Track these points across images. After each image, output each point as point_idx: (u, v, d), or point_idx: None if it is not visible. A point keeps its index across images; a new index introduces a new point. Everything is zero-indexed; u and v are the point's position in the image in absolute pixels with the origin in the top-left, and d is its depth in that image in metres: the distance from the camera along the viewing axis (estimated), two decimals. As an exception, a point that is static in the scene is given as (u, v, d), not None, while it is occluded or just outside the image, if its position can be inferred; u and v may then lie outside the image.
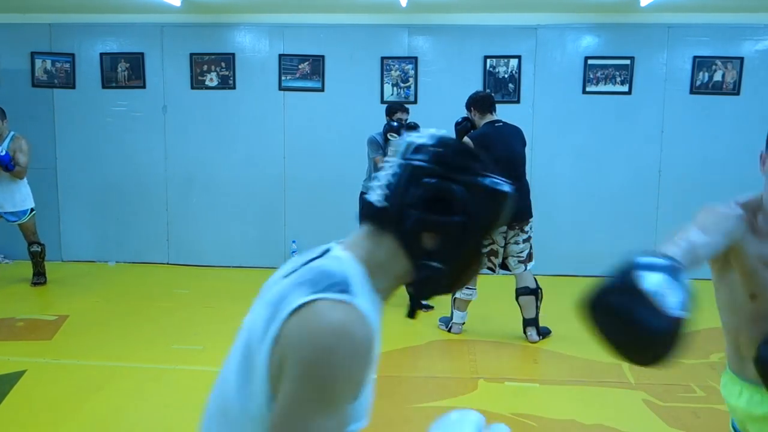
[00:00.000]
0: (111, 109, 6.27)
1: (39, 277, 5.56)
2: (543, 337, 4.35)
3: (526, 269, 4.32)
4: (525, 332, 4.34)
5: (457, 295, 4.39)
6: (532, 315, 4.32)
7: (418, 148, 1.08)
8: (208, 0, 5.75)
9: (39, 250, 5.56)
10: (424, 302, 4.51)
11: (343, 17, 6.04)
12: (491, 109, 4.42)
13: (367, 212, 1.08)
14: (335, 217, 6.11)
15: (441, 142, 1.09)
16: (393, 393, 3.53)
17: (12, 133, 5.45)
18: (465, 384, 3.65)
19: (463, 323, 4.48)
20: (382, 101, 5.92)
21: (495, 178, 1.07)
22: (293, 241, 6.20)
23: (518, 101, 5.98)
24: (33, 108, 6.29)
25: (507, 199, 1.08)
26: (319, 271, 1.01)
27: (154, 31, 6.20)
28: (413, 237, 1.04)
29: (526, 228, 4.33)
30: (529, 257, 4.35)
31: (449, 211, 1.03)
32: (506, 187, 1.08)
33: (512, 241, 4.32)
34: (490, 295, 5.07)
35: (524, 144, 4.45)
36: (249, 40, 6.18)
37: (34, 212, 5.54)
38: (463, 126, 4.44)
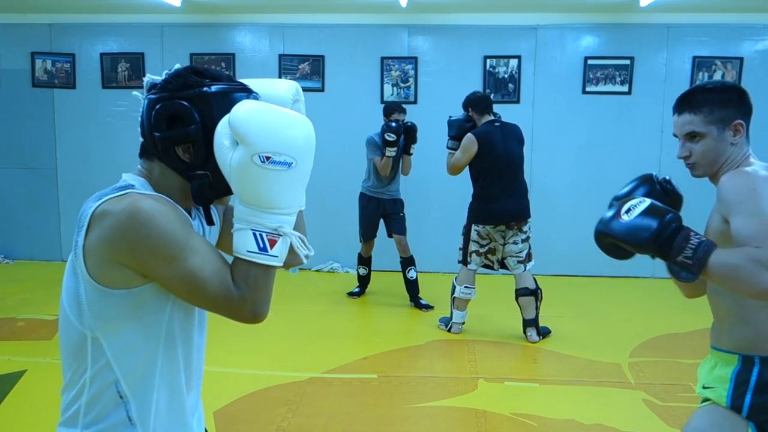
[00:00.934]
0: (111, 110, 6.28)
1: None
2: (543, 337, 4.35)
3: (525, 269, 4.32)
4: (525, 332, 4.34)
5: (456, 294, 4.39)
6: (532, 315, 4.32)
7: (153, 86, 1.25)
8: (208, 0, 5.76)
9: None
10: (424, 302, 4.55)
11: (343, 17, 6.04)
12: (489, 110, 4.42)
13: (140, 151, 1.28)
14: (335, 217, 6.13)
15: (169, 74, 1.24)
16: (393, 393, 3.54)
17: None
18: (465, 384, 3.65)
19: (463, 323, 4.48)
20: (382, 101, 5.92)
21: (221, 84, 1.21)
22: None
23: (518, 101, 5.99)
24: (33, 108, 6.30)
25: (233, 100, 1.18)
26: (107, 188, 1.20)
27: (154, 31, 6.20)
28: (168, 155, 1.21)
29: (525, 228, 4.33)
30: (528, 257, 4.35)
31: (185, 124, 1.18)
32: (223, 86, 1.21)
33: (511, 241, 4.32)
34: (490, 295, 5.07)
35: (522, 143, 4.45)
36: (249, 40, 6.18)
37: None
38: (463, 126, 4.41)
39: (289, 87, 1.35)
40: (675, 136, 1.66)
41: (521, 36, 5.98)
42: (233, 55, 6.16)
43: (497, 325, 4.64)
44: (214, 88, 1.19)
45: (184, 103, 1.18)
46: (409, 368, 3.97)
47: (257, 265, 1.13)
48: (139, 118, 1.26)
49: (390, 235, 5.14)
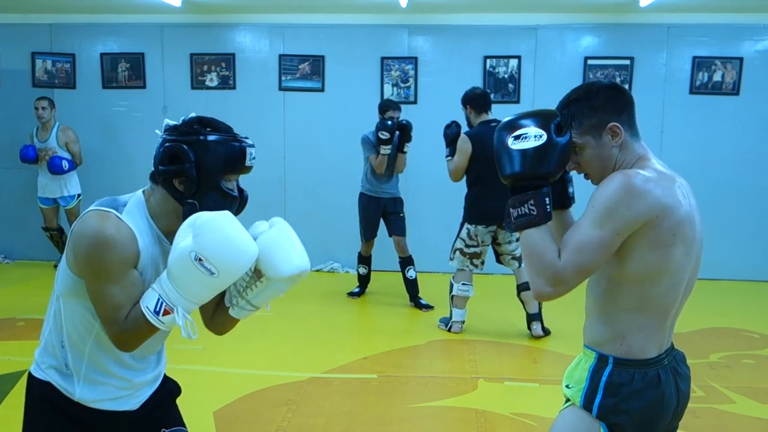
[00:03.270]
0: (111, 110, 6.27)
1: None
2: (545, 335, 4.35)
3: (520, 266, 4.34)
4: (529, 327, 4.35)
5: (454, 292, 4.39)
6: (536, 310, 4.32)
7: (168, 128, 1.54)
8: (208, 0, 5.76)
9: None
10: (423, 302, 4.55)
11: (343, 17, 6.04)
12: (487, 108, 4.37)
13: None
14: (335, 216, 6.13)
15: (183, 120, 1.54)
16: (393, 393, 3.54)
17: (58, 123, 5.86)
18: (465, 384, 3.65)
19: (463, 321, 4.48)
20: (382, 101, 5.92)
21: (216, 134, 1.52)
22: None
23: (518, 101, 5.98)
24: (33, 108, 6.29)
25: (224, 148, 1.52)
26: (114, 197, 1.54)
27: (154, 31, 6.20)
28: (167, 184, 1.51)
29: None
30: None
31: (182, 162, 1.48)
32: (217, 137, 1.52)
33: (505, 240, 4.35)
34: (490, 295, 5.07)
35: None
36: (249, 40, 6.18)
37: (80, 198, 5.97)
38: (452, 131, 4.35)
39: (297, 269, 1.55)
40: None
41: (521, 36, 5.98)
42: (233, 55, 6.16)
43: (497, 325, 4.64)
44: (210, 138, 1.50)
45: (184, 146, 1.48)
46: (409, 368, 3.97)
47: (146, 319, 1.41)
48: (155, 152, 1.54)
49: (390, 235, 5.14)
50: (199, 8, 5.93)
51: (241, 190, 1.64)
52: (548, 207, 1.48)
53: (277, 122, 6.21)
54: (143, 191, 1.56)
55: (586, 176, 1.61)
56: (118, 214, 1.46)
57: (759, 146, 5.92)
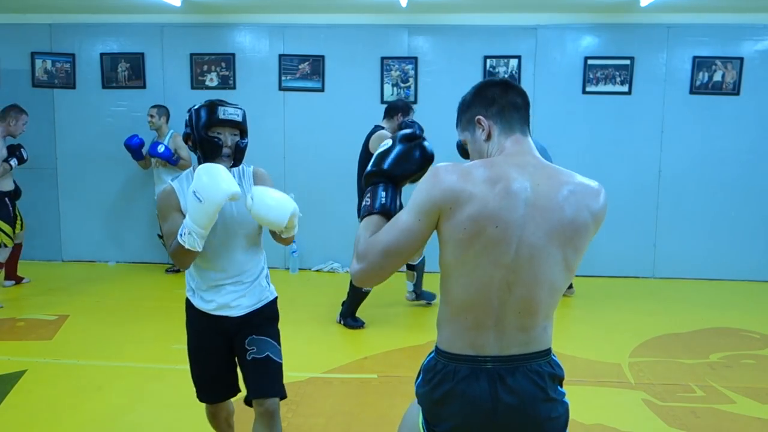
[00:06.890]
0: (111, 109, 6.28)
1: None
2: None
3: None
4: None
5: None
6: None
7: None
8: (208, 0, 5.76)
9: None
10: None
11: (343, 17, 6.04)
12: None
13: None
14: (335, 216, 6.12)
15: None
16: (393, 393, 3.54)
17: (172, 131, 5.89)
18: (465, 384, 3.64)
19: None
20: (382, 101, 5.92)
21: (200, 106, 2.28)
22: (293, 241, 6.20)
23: (518, 101, 5.98)
24: (33, 108, 6.26)
25: (201, 111, 2.27)
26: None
27: (154, 31, 6.20)
28: (192, 147, 2.33)
29: None
30: None
31: (186, 127, 2.30)
32: (198, 106, 2.30)
33: None
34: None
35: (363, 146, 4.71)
36: (249, 40, 6.18)
37: None
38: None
39: (287, 212, 2.25)
40: None
41: (521, 36, 5.98)
42: (233, 55, 6.16)
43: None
44: (195, 108, 2.28)
45: (188, 119, 2.29)
46: (409, 368, 3.96)
47: (177, 239, 2.09)
48: None
49: None
50: (199, 8, 5.93)
51: (237, 144, 2.34)
52: (382, 199, 1.62)
53: (277, 122, 6.21)
54: None
55: None
56: (171, 183, 2.28)
57: (759, 146, 5.92)
